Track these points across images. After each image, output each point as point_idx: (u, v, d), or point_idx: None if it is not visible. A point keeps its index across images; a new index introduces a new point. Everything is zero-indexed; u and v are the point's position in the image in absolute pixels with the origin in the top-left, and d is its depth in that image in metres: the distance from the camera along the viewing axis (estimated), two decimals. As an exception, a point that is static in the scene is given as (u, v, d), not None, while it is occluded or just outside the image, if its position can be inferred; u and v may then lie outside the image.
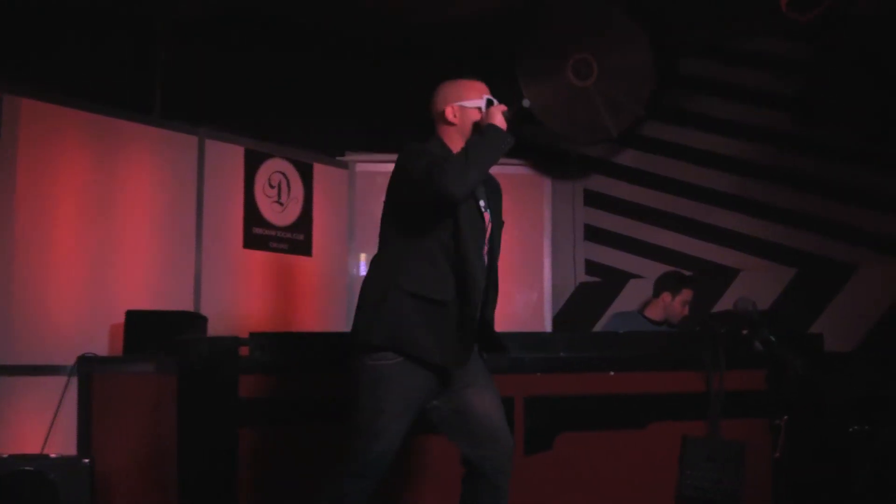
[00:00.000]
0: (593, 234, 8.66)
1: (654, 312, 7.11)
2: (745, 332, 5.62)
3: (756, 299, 5.60)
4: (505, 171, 8.22)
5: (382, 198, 8.13)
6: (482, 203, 4.18)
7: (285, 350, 5.21)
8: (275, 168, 7.74)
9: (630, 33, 7.54)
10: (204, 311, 6.88)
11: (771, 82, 7.78)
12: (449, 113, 4.23)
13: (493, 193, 4.31)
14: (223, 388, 5.00)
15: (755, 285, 7.58)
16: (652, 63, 7.56)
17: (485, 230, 4.18)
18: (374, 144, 8.29)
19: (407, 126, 8.35)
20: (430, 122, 7.59)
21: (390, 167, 8.23)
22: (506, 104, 4.14)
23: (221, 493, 4.92)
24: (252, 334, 5.25)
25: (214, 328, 6.51)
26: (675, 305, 7.03)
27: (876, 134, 7.04)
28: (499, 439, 4.13)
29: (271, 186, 7.69)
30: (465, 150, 3.97)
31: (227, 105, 7.48)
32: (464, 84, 4.27)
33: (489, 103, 4.17)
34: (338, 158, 8.22)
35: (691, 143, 8.12)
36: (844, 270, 7.37)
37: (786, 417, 5.36)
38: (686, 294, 7.04)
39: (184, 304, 6.92)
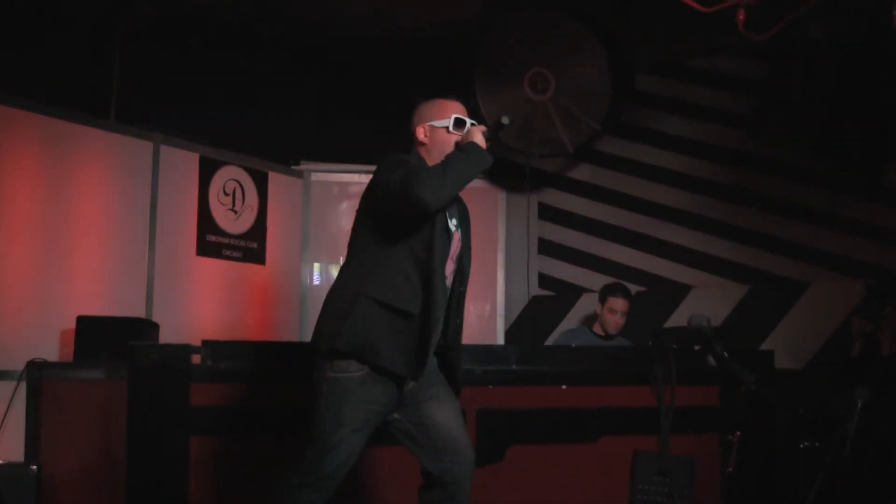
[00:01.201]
0: (547, 248, 8.69)
1: (598, 326, 7.22)
2: (697, 347, 5.66)
3: (708, 316, 5.63)
4: (460, 184, 8.24)
5: (337, 207, 8.21)
6: (453, 222, 4.16)
7: (237, 358, 5.18)
8: (229, 176, 7.71)
9: (588, 48, 7.56)
10: (156, 318, 6.83)
11: (726, 100, 7.86)
12: (420, 132, 4.23)
13: (464, 217, 4.29)
14: (174, 396, 4.96)
15: (707, 302, 7.63)
16: (609, 78, 7.59)
17: (448, 249, 4.13)
18: (329, 154, 8.27)
19: (362, 136, 8.41)
20: (382, 131, 7.66)
21: (345, 177, 8.32)
22: (485, 122, 4.13)
23: (171, 502, 4.88)
24: (204, 342, 5.22)
25: (166, 335, 6.46)
26: (604, 314, 7.21)
27: (828, 153, 7.11)
28: (459, 451, 4.12)
29: (226, 194, 7.65)
30: (443, 162, 3.95)
31: (183, 111, 7.44)
32: (436, 103, 4.26)
33: (458, 122, 4.15)
34: (293, 167, 8.20)
35: (646, 160, 8.16)
36: (796, 288, 7.43)
37: (738, 433, 5.39)
38: (612, 302, 7.15)
39: (135, 310, 6.86)
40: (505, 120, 4.08)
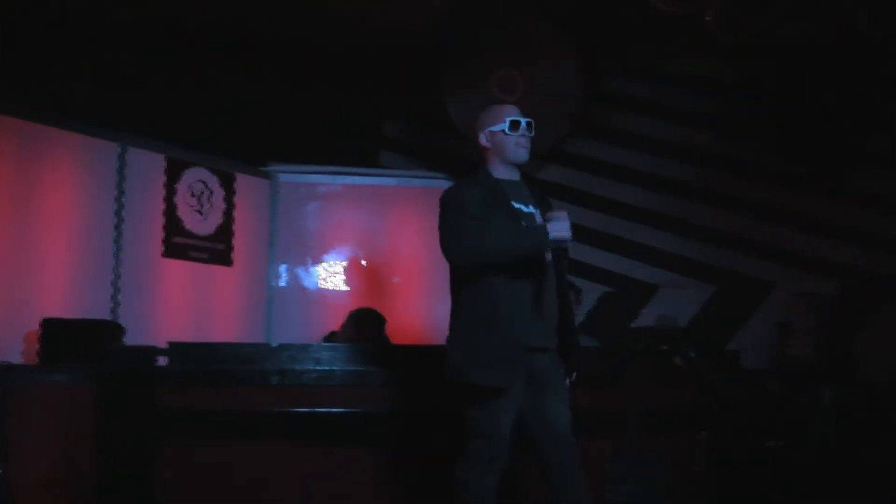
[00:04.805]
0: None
1: None
2: (664, 347, 5.67)
3: (674, 316, 5.66)
4: (426, 185, 8.26)
5: (304, 208, 8.20)
6: (529, 208, 4.43)
7: (204, 361, 5.16)
8: (196, 177, 7.66)
9: (557, 50, 7.58)
10: (122, 320, 6.77)
11: (695, 102, 7.90)
12: (482, 139, 4.49)
13: (542, 201, 4.56)
14: (140, 399, 4.94)
15: (674, 302, 7.65)
16: (578, 80, 7.61)
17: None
18: (297, 156, 8.24)
19: (330, 138, 8.39)
20: (350, 133, 7.66)
21: (313, 178, 8.29)
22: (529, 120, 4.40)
23: (138, 503, 4.86)
24: (170, 344, 5.20)
25: (132, 338, 6.41)
26: None
27: (795, 154, 7.15)
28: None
29: (192, 195, 7.61)
30: (499, 236, 4.23)
31: (151, 113, 7.39)
32: (492, 110, 4.52)
33: (512, 124, 4.38)
34: (260, 169, 8.16)
35: (615, 160, 8.18)
36: (762, 288, 7.47)
37: (705, 432, 5.42)
38: None
39: (101, 312, 6.82)
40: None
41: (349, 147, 8.69)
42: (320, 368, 5.24)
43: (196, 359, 5.17)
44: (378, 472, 5.17)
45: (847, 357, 6.97)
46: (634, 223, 8.04)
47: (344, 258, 8.23)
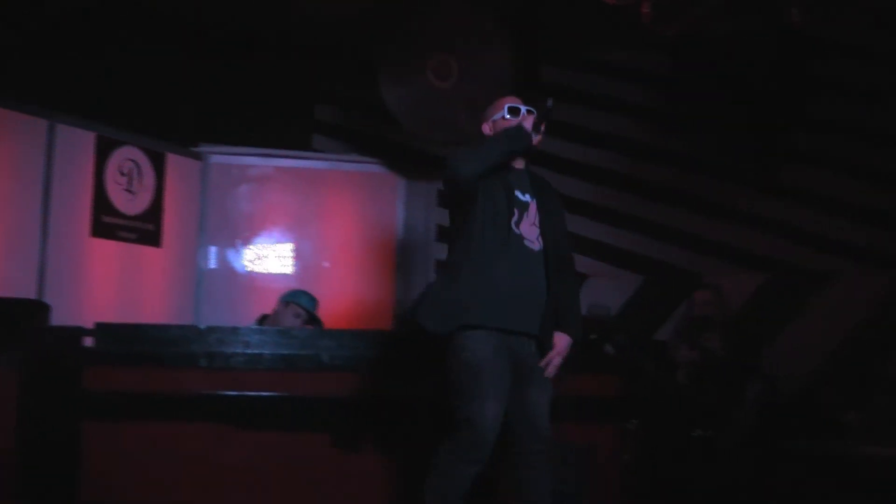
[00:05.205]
0: (446, 236, 8.68)
1: None
2: (593, 336, 5.71)
3: (607, 305, 5.70)
4: (359, 170, 8.26)
5: (236, 190, 8.15)
6: (526, 196, 4.57)
7: (132, 342, 5.12)
8: (126, 156, 7.58)
9: (493, 37, 7.58)
10: (48, 300, 6.67)
11: (628, 92, 7.96)
12: (486, 129, 4.69)
13: (541, 188, 4.72)
14: (66, 380, 4.90)
15: (602, 291, 7.69)
16: (513, 67, 7.62)
17: (521, 214, 4.49)
18: (229, 137, 8.18)
19: (263, 120, 8.34)
20: (284, 116, 7.61)
21: (245, 160, 8.26)
22: (534, 107, 4.63)
23: (63, 486, 4.82)
24: (97, 324, 5.16)
25: (59, 318, 6.31)
26: None
27: (726, 147, 7.24)
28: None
29: (122, 174, 7.52)
30: (482, 142, 4.54)
31: (81, 91, 7.29)
32: (495, 102, 4.76)
33: (511, 110, 4.64)
34: (192, 149, 8.09)
35: (546, 149, 8.16)
36: (689, 279, 7.55)
37: (636, 421, 5.47)
38: None
39: (26, 291, 6.72)
40: (549, 102, 4.59)
41: (282, 130, 8.64)
42: (249, 352, 5.22)
43: (123, 340, 5.13)
44: (305, 457, 5.17)
45: (769, 350, 7.11)
46: (565, 212, 8.07)
47: (275, 241, 8.19)
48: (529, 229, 4.48)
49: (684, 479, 5.73)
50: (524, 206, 4.51)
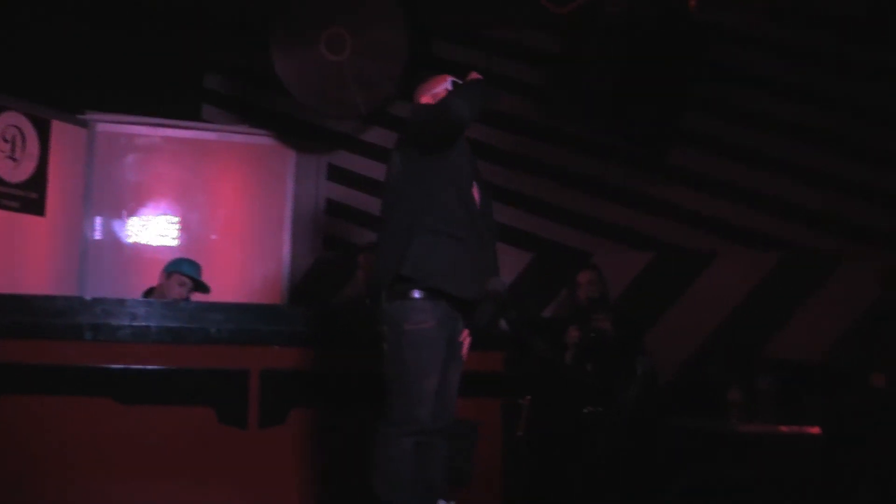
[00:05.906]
0: (335, 210, 8.68)
1: None
2: (513, 313, 5.75)
3: (503, 280, 5.73)
4: (249, 142, 8.20)
5: (123, 159, 8.00)
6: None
7: (13, 313, 5.02)
8: (9, 122, 7.41)
9: (386, 11, 7.57)
10: (-76, 269, 6.55)
11: (520, 70, 8.01)
12: (425, 100, 4.67)
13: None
14: (-54, 351, 4.79)
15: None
16: (405, 42, 7.62)
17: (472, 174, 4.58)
18: (117, 105, 8.04)
19: (152, 89, 8.21)
20: (172, 84, 7.49)
21: (133, 129, 8.13)
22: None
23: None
24: (-24, 295, 5.05)
25: (-64, 287, 6.21)
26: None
27: (616, 128, 7.33)
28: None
29: (5, 141, 7.35)
30: (458, 87, 4.55)
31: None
32: (433, 79, 4.78)
33: (455, 84, 4.66)
34: (78, 117, 7.93)
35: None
36: (579, 257, 7.65)
37: (529, 397, 5.52)
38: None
39: None
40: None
41: (171, 99, 8.53)
42: (136, 324, 5.16)
43: (6, 311, 5.03)
44: (192, 431, 5.13)
45: (655, 329, 7.25)
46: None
47: (162, 213, 8.09)
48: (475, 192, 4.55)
49: (575, 455, 5.82)
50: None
